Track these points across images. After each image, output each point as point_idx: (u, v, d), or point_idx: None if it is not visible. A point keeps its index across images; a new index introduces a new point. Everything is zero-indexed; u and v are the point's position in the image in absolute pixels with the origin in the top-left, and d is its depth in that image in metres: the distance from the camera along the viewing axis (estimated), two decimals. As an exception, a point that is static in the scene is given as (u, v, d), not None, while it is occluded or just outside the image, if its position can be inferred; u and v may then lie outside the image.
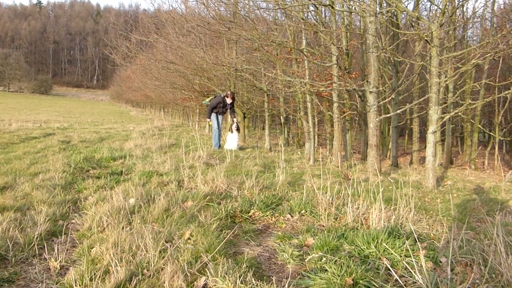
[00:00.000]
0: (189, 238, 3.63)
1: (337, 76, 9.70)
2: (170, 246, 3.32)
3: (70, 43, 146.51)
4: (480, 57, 8.00)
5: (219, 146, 12.42)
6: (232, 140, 12.08)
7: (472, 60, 7.78)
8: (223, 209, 4.54)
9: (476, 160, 16.36)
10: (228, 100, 12.14)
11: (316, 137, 17.61)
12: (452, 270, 3.05)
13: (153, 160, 8.45)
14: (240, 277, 2.73)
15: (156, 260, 3.01)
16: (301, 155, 13.07)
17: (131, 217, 4.20)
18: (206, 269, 2.93)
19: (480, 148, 17.15)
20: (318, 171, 8.23)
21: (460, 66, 7.98)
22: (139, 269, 2.91)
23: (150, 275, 2.87)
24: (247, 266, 3.00)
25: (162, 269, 2.90)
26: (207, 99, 13.23)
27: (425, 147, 8.18)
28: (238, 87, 16.11)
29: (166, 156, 8.94)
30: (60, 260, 3.22)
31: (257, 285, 2.60)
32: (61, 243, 3.46)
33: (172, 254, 3.15)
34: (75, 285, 2.70)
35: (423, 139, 15.97)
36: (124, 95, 59.82)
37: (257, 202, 4.97)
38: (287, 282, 2.60)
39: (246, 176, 6.28)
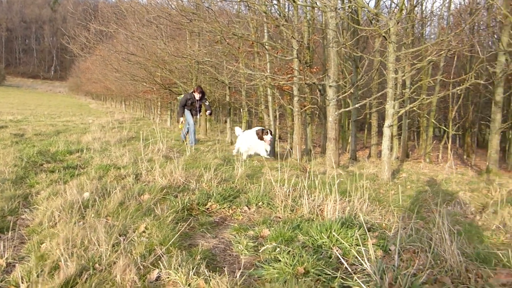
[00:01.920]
0: (143, 231, 3.60)
1: (298, 70, 9.79)
2: (124, 239, 3.28)
3: (25, 32, 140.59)
4: (435, 54, 8.26)
5: (196, 142, 12.18)
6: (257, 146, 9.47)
7: (428, 57, 8.02)
8: (180, 202, 4.51)
9: (431, 154, 16.93)
10: (197, 96, 11.84)
11: (277, 130, 17.75)
12: (400, 257, 3.16)
13: (112, 154, 8.28)
14: (193, 269, 2.73)
15: (108, 254, 2.97)
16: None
17: (85, 212, 4.11)
18: (159, 261, 2.91)
19: (435, 142, 17.75)
20: (278, 164, 8.31)
21: (416, 62, 8.20)
22: (91, 263, 2.86)
23: (102, 269, 2.83)
24: (201, 258, 3.00)
25: (114, 263, 2.86)
26: (180, 96, 12.99)
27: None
28: (200, 80, 16.00)
29: (125, 149, 8.77)
30: (7, 257, 3.11)
31: (209, 276, 2.61)
32: (8, 240, 3.35)
33: (125, 248, 3.12)
34: (22, 282, 2.63)
35: (381, 133, 16.32)
36: (84, 87, 58.15)
37: (214, 194, 4.97)
38: (239, 272, 2.61)
39: (205, 169, 6.27)
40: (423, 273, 2.67)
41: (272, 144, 10.55)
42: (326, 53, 9.55)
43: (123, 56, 16.96)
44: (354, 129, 13.02)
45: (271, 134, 9.25)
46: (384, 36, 7.59)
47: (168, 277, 2.74)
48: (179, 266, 2.79)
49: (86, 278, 2.67)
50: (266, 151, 9.40)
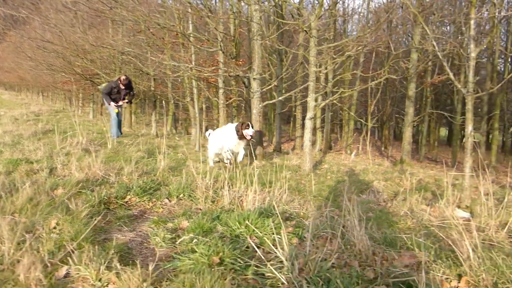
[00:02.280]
0: (54, 227, 3.43)
1: (223, 62, 9.78)
2: (31, 236, 3.10)
3: None
4: (353, 50, 8.62)
5: (119, 134, 11.62)
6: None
7: (347, 52, 8.36)
8: (96, 196, 4.35)
9: (352, 146, 17.72)
10: (122, 85, 11.24)
11: (203, 123, 17.65)
12: (313, 244, 3.28)
13: (24, 148, 7.79)
14: (105, 264, 2.65)
15: (12, 252, 2.79)
16: (188, 141, 13.03)
17: (-11, 208, 3.83)
18: (69, 258, 2.79)
19: (355, 134, 18.60)
20: (203, 156, 8.28)
21: (336, 57, 8.51)
22: (-8, 262, 2.68)
23: (4, 268, 2.66)
24: (115, 252, 2.92)
25: (18, 262, 2.70)
26: (103, 85, 12.34)
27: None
28: (124, 71, 15.46)
29: (40, 143, 8.29)
30: None
31: (121, 270, 2.55)
32: None
33: (32, 245, 2.95)
34: None
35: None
36: (-5, 76, 53.92)
37: (134, 187, 4.86)
38: (153, 265, 2.58)
39: (125, 162, 6.11)
40: (331, 258, 2.79)
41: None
42: (251, 46, 9.61)
43: (38, 44, 15.94)
44: (279, 121, 13.28)
45: (252, 127, 7.66)
46: (305, 30, 7.79)
47: (77, 273, 2.64)
48: (90, 261, 2.69)
49: (-15, 278, 2.50)
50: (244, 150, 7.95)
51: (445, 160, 17.12)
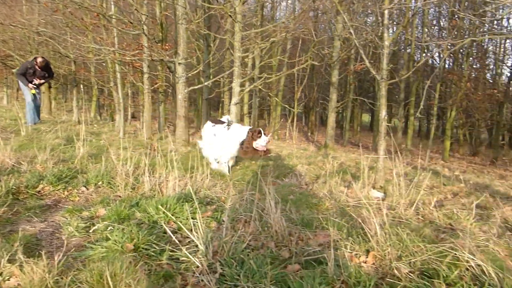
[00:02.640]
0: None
1: (147, 46, 9.50)
2: None
3: None
4: (278, 36, 8.72)
5: (37, 121, 10.79)
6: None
7: (272, 38, 8.44)
8: (3, 186, 4.07)
9: (279, 131, 18.05)
10: (38, 66, 10.37)
11: (129, 109, 17.16)
12: (233, 227, 3.32)
13: None
14: (7, 256, 2.50)
15: None
16: (113, 127, 12.59)
17: None
18: (-32, 251, 2.60)
19: (282, 120, 18.96)
20: (127, 143, 8.05)
21: (259, 42, 8.57)
22: None
23: None
24: (21, 244, 2.75)
25: None
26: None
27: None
28: (41, 53, 14.54)
29: None
30: None
31: (25, 262, 2.41)
32: None
33: None
34: None
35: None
36: None
37: (48, 176, 4.61)
38: (61, 255, 2.47)
39: (40, 150, 5.78)
40: (246, 240, 2.83)
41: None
42: (177, 30, 9.42)
43: None
44: (206, 107, 13.19)
45: (265, 135, 6.10)
46: (230, 15, 7.76)
47: (-26, 269, 2.47)
48: (-9, 254, 2.52)
49: None
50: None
51: (366, 144, 17.97)
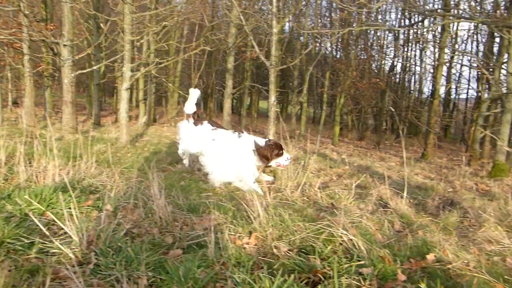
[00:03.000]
0: None
1: (26, 25, 8.73)
2: None
3: None
4: (170, 20, 8.52)
5: None
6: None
7: (163, 22, 8.23)
8: None
9: (176, 118, 17.76)
10: None
11: (10, 94, 15.75)
12: (116, 215, 3.20)
13: None
14: None
15: None
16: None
17: None
18: None
19: (180, 106, 18.64)
20: (5, 131, 7.38)
21: (149, 25, 8.31)
22: None
23: None
24: None
25: None
26: None
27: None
28: None
29: None
30: None
31: None
32: None
33: None
34: None
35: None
36: None
37: None
38: None
39: None
40: (124, 227, 2.75)
41: None
42: (61, 9, 8.76)
43: None
44: (97, 92, 12.52)
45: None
46: (118, -4, 7.41)
47: None
48: None
49: None
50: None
51: (262, 130, 18.41)
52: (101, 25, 11.83)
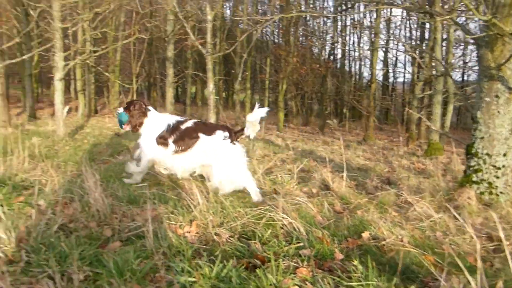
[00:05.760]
0: None
1: None
2: None
3: None
4: (102, 6, 8.21)
5: None
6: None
7: (94, 9, 7.92)
8: None
9: (115, 108, 17.27)
10: None
11: None
12: (51, 210, 3.07)
13: None
14: None
15: None
16: None
17: None
18: None
19: (121, 97, 18.13)
20: None
21: (80, 12, 7.98)
22: None
23: None
24: None
25: None
26: None
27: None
28: None
29: None
30: None
31: None
32: None
33: None
34: None
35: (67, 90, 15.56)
36: None
37: None
38: None
39: None
40: (57, 222, 2.66)
41: None
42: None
43: None
44: (30, 83, 11.89)
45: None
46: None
47: None
48: None
49: None
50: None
51: (207, 118, 18.30)
52: (30, 11, 11.21)
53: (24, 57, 8.81)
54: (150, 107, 4.56)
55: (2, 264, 2.22)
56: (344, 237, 2.95)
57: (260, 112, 3.93)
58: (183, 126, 4.32)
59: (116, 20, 15.78)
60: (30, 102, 11.74)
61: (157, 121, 4.42)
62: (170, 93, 12.54)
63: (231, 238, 2.82)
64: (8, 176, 3.98)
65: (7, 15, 11.85)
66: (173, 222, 3.01)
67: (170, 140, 4.27)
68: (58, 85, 7.44)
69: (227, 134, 4.16)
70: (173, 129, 4.31)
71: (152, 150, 4.33)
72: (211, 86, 5.31)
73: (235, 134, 4.22)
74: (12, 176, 4.07)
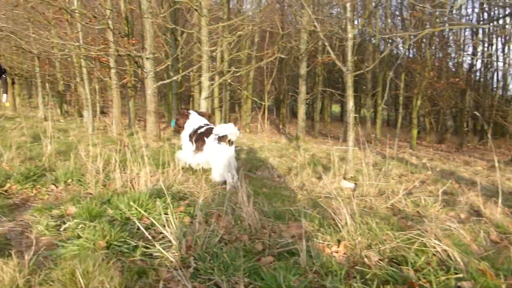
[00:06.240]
0: None
1: (113, 41, 9.34)
2: None
3: None
4: (244, 29, 8.72)
5: None
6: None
7: (238, 32, 8.44)
8: (-32, 186, 3.96)
9: (251, 124, 18.08)
10: None
11: (97, 105, 16.84)
12: (206, 221, 3.33)
13: None
14: (-24, 257, 2.44)
15: None
16: (81, 124, 12.36)
17: None
18: None
19: (254, 113, 18.96)
20: (98, 139, 7.92)
21: (225, 36, 8.55)
22: None
23: None
24: (-11, 245, 2.70)
25: None
26: None
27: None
28: (4, 49, 14.13)
29: None
30: None
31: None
32: None
33: None
34: None
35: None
36: None
37: (15, 174, 4.51)
38: (31, 254, 2.43)
39: (6, 148, 5.62)
40: (219, 233, 2.86)
41: None
42: (143, 24, 9.29)
43: None
44: (175, 102, 13.08)
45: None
46: (196, 9, 7.71)
47: None
48: (-42, 258, 2.46)
49: None
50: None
51: (337, 134, 18.23)
52: (178, 37, 12.37)
53: (174, 78, 9.77)
54: (191, 111, 6.02)
55: (173, 268, 2.46)
56: (510, 272, 2.69)
57: (226, 129, 5.00)
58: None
59: (250, 41, 16.66)
60: (175, 118, 12.87)
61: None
62: (302, 110, 12.78)
63: (380, 262, 2.76)
64: (167, 187, 4.40)
65: (158, 40, 13.23)
66: (320, 241, 3.05)
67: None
68: (203, 103, 8.07)
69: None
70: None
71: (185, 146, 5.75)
72: (350, 103, 5.29)
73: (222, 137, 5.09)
74: (169, 187, 4.49)
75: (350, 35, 5.41)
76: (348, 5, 5.52)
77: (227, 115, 16.10)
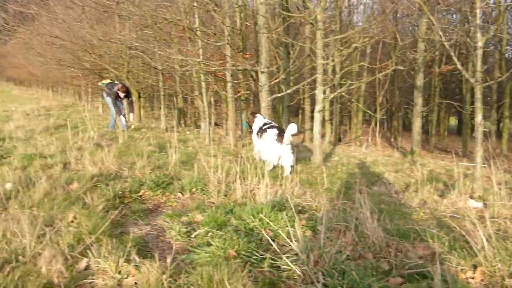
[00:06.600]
0: (72, 221, 3.49)
1: (230, 56, 9.77)
2: (51, 230, 3.16)
3: None
4: (359, 41, 8.59)
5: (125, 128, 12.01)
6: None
7: (353, 44, 8.33)
8: (111, 190, 4.40)
9: (361, 137, 17.67)
10: (121, 94, 11.88)
11: (212, 116, 17.69)
12: (327, 236, 3.31)
13: (37, 142, 7.91)
14: (123, 256, 2.70)
15: (33, 245, 2.86)
16: (198, 135, 13.09)
17: (7, 203, 3.90)
18: (88, 251, 2.85)
19: (364, 126, 18.53)
20: (214, 150, 8.33)
21: (342, 49, 8.48)
22: (13, 256, 2.74)
23: (26, 261, 2.72)
24: (132, 245, 2.96)
25: (39, 254, 2.76)
26: (104, 81, 12.78)
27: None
28: (132, 66, 15.55)
29: (52, 138, 8.39)
30: None
31: (140, 263, 2.60)
32: None
33: (52, 239, 3.01)
34: None
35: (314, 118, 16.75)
36: (5, 72, 54.12)
37: (147, 181, 4.91)
38: (171, 257, 2.62)
39: (137, 157, 6.16)
40: (346, 250, 2.82)
41: None
42: (258, 39, 9.60)
43: (47, 40, 15.98)
44: (287, 114, 13.27)
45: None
46: (311, 23, 7.77)
47: (97, 266, 2.69)
48: (109, 254, 2.74)
49: (8, 271, 2.55)
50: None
51: (455, 150, 17.03)
52: (290, 51, 12.56)
53: (288, 91, 9.93)
54: (257, 114, 7.71)
55: (300, 282, 2.48)
56: None
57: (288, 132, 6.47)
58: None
59: (360, 52, 16.37)
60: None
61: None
62: (417, 123, 12.18)
63: (525, 293, 2.51)
64: (285, 199, 4.46)
65: (271, 54, 13.59)
66: (453, 265, 2.86)
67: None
68: (317, 116, 8.08)
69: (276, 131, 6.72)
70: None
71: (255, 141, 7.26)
72: (479, 117, 4.92)
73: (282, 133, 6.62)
74: (287, 200, 4.55)
75: (480, 44, 5.05)
76: (477, 11, 5.17)
77: (337, 127, 15.92)
